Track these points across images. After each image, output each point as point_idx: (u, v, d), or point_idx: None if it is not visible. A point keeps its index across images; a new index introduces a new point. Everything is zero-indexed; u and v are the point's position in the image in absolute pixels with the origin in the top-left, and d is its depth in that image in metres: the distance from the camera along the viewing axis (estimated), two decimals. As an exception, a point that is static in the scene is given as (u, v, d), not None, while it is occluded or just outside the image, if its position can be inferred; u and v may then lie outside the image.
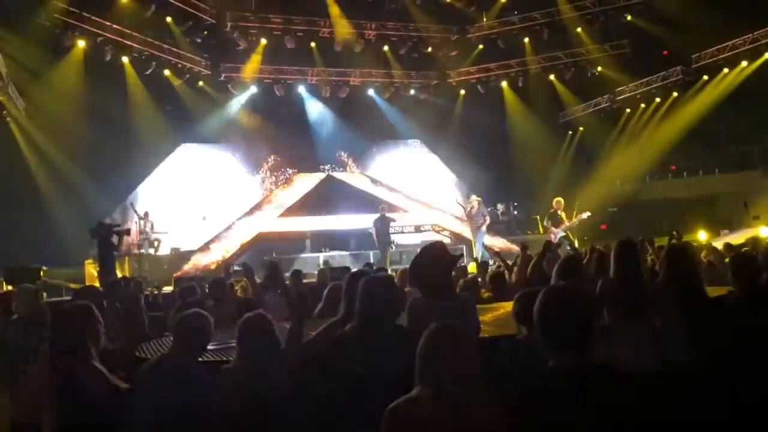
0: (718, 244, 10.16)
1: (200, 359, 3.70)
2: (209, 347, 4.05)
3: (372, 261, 13.53)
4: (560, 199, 14.38)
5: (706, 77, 18.88)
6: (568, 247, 12.79)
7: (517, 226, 19.13)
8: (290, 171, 19.77)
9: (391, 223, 15.12)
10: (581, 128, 21.89)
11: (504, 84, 21.28)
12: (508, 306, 4.50)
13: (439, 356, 2.40)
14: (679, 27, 17.15)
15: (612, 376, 2.34)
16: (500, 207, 19.31)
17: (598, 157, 20.60)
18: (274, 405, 3.08)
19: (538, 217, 15.26)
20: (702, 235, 15.00)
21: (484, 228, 14.76)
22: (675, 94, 19.74)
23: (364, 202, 18.34)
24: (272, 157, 20.05)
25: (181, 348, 3.38)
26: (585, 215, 14.08)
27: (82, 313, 3.46)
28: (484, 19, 20.32)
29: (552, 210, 14.29)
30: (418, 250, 4.22)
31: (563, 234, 13.95)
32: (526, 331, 3.62)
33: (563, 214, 14.12)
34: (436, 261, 3.80)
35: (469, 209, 15.10)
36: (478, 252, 14.33)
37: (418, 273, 3.93)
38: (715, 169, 20.53)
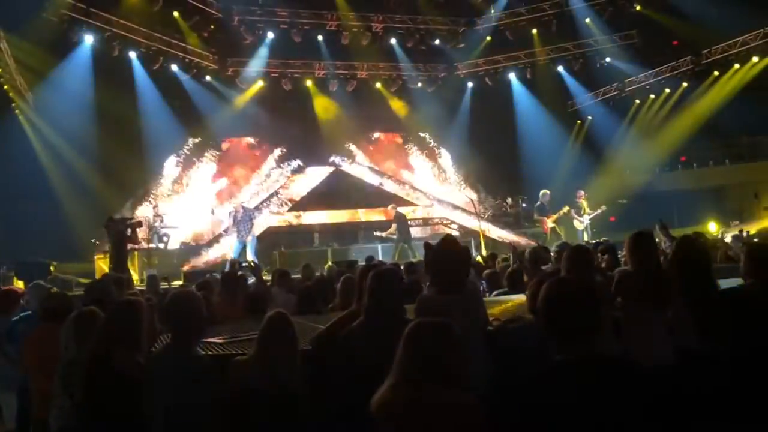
0: (728, 236, 10.12)
1: (209, 353, 3.72)
2: (217, 340, 4.07)
3: (380, 256, 13.62)
4: (546, 191, 15.27)
5: (716, 73, 18.74)
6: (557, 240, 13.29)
7: (525, 219, 19.08)
8: (298, 164, 19.76)
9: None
10: (590, 117, 21.78)
11: (512, 76, 21.18)
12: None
13: (401, 349, 2.46)
14: (689, 17, 17.00)
15: (618, 368, 2.33)
16: (509, 200, 19.28)
17: (608, 149, 20.49)
18: (287, 400, 3.09)
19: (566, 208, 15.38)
20: (712, 227, 14.94)
21: (251, 237, 13.73)
22: (685, 84, 19.59)
23: (372, 195, 18.36)
24: (279, 150, 20.05)
25: (179, 334, 3.38)
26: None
27: (138, 307, 3.54)
28: (492, 11, 20.20)
29: (539, 203, 14.90)
30: (424, 243, 4.18)
31: (552, 225, 14.73)
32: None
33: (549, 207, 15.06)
34: (452, 255, 3.71)
35: (233, 214, 14.01)
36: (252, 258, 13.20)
37: (431, 267, 3.89)
38: (725, 160, 20.38)
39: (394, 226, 15.41)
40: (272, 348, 3.24)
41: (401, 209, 16.35)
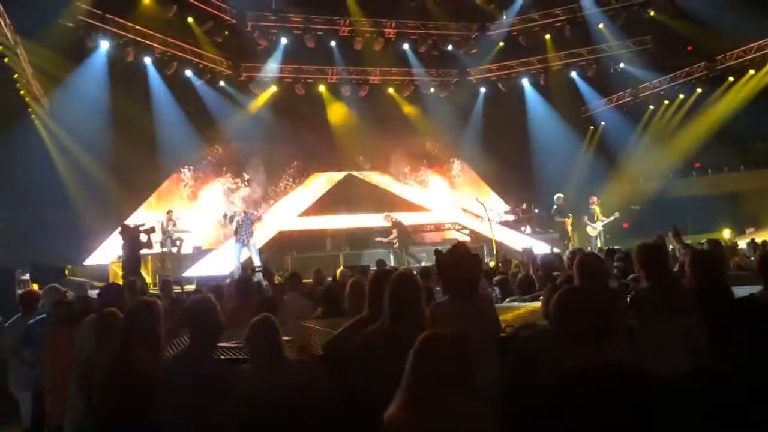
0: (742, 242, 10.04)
1: (222, 356, 3.74)
2: (230, 345, 4.09)
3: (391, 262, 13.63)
4: (561, 195, 15.74)
5: (731, 78, 18.62)
6: (566, 243, 14.20)
7: (538, 225, 19.01)
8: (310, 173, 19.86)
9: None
10: (603, 123, 21.69)
11: (525, 81, 21.14)
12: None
13: (413, 362, 2.44)
14: (704, 23, 16.91)
15: (631, 376, 2.31)
16: (524, 205, 19.22)
17: (621, 155, 20.39)
18: (289, 402, 3.09)
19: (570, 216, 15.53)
20: (727, 234, 14.83)
21: (252, 240, 13.58)
22: (699, 90, 19.48)
23: (384, 200, 18.38)
24: (295, 163, 20.12)
25: (196, 340, 3.41)
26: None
27: (155, 309, 3.56)
28: (505, 17, 20.18)
29: (555, 206, 15.54)
30: (435, 251, 4.17)
31: (569, 228, 15.29)
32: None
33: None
34: (462, 263, 3.69)
35: (235, 218, 13.60)
36: (236, 266, 12.76)
37: (442, 275, 3.88)
38: (740, 166, 20.22)
39: (394, 231, 15.32)
40: (258, 354, 3.26)
41: (399, 215, 16.40)
